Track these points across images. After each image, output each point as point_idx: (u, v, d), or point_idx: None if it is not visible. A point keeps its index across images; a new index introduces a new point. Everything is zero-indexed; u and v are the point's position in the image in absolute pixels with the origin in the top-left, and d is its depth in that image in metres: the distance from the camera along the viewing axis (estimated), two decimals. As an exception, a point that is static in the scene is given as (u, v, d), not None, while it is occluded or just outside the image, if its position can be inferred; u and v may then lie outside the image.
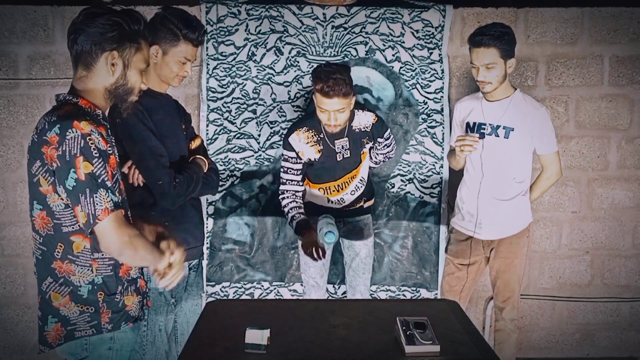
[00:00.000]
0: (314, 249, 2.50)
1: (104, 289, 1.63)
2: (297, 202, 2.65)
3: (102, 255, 1.61)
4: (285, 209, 2.65)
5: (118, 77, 1.63)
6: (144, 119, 2.01)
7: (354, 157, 2.66)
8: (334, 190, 2.69)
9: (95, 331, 1.62)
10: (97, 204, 1.51)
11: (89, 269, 1.61)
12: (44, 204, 1.58)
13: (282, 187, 2.67)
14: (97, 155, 1.51)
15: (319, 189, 2.71)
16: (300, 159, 2.62)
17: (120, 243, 1.55)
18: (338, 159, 2.63)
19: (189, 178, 2.10)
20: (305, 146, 2.61)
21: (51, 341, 1.63)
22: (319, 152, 2.61)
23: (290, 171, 2.64)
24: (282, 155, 2.66)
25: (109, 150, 1.58)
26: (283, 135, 2.74)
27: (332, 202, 2.72)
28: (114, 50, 1.60)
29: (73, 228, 1.58)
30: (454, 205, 2.85)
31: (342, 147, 2.62)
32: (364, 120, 2.62)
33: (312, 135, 2.61)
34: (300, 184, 2.67)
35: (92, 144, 1.50)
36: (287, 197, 2.66)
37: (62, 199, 1.55)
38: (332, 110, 2.44)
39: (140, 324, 1.76)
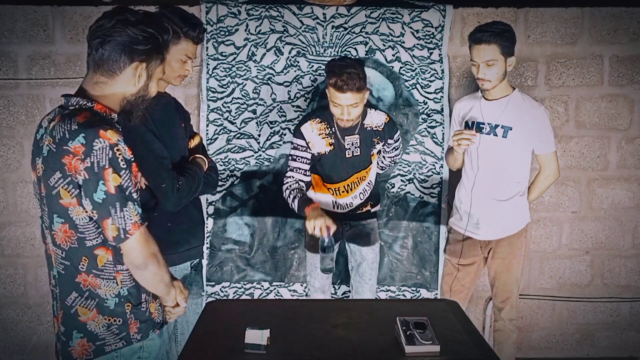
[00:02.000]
0: (320, 223, 2.32)
1: (131, 300, 1.60)
2: (299, 184, 2.59)
3: (125, 267, 1.58)
4: (287, 192, 2.59)
5: (141, 88, 1.60)
6: (146, 121, 2.00)
7: (364, 155, 2.64)
8: (343, 192, 2.68)
9: (125, 343, 1.59)
10: (127, 218, 1.47)
11: (113, 282, 1.57)
12: (66, 217, 1.51)
13: (288, 174, 2.63)
14: (125, 166, 1.47)
15: (327, 190, 2.68)
16: (310, 149, 2.61)
17: (146, 256, 1.53)
18: (347, 156, 2.62)
19: (191, 179, 2.10)
20: (317, 137, 2.60)
21: (76, 356, 1.59)
22: (330, 145, 2.60)
23: (298, 159, 2.62)
24: (292, 143, 2.64)
25: (133, 159, 1.53)
26: (294, 126, 2.69)
27: (339, 206, 2.70)
28: (143, 62, 1.57)
29: (97, 241, 1.53)
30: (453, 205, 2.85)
31: (352, 144, 2.61)
32: (377, 119, 2.62)
33: (325, 128, 2.60)
34: (307, 174, 2.64)
35: (119, 154, 1.46)
36: (290, 182, 2.61)
37: (86, 212, 1.49)
38: (346, 105, 2.43)
39: (166, 328, 1.76)
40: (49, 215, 1.55)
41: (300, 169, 2.63)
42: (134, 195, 1.50)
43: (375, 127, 2.62)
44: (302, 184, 2.62)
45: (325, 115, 2.60)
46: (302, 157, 2.62)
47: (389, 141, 2.64)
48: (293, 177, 2.63)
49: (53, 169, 1.49)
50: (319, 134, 2.60)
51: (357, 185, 2.68)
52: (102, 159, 1.44)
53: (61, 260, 1.57)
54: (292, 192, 2.58)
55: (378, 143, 2.65)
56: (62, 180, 1.48)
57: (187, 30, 2.06)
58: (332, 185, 2.68)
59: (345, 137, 2.60)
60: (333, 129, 2.60)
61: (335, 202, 2.70)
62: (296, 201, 2.53)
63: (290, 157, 2.65)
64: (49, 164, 1.50)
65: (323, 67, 3.06)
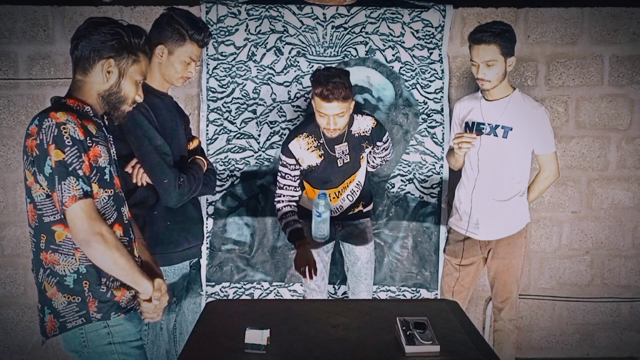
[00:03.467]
0: (307, 268, 2.50)
1: (89, 279, 1.65)
2: (291, 206, 2.63)
3: None
4: (279, 213, 2.64)
5: (112, 85, 1.70)
6: (150, 118, 2.03)
7: (353, 161, 2.64)
8: (333, 197, 2.68)
9: (85, 320, 1.65)
10: (64, 190, 1.56)
11: (72, 258, 1.64)
12: (31, 197, 1.64)
13: (278, 191, 2.66)
14: (70, 144, 1.56)
15: None
16: (300, 165, 2.61)
17: (88, 233, 1.57)
18: (339, 165, 2.62)
19: (193, 177, 2.12)
20: (305, 152, 2.60)
21: (48, 331, 1.68)
22: (320, 156, 2.60)
23: (287, 177, 2.63)
24: (280, 160, 2.63)
25: (89, 142, 1.61)
26: (282, 141, 2.70)
27: (330, 211, 2.71)
28: (110, 59, 1.67)
29: (54, 218, 1.63)
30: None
31: (342, 152, 2.61)
32: (364, 124, 2.60)
33: (313, 141, 2.59)
34: (297, 189, 2.65)
35: (65, 132, 1.56)
36: (282, 201, 2.64)
37: (42, 188, 1.60)
38: (332, 115, 2.42)
39: (136, 314, 1.75)
40: (25, 198, 1.68)
41: (290, 186, 2.64)
42: (79, 172, 1.57)
43: (363, 132, 2.60)
44: (293, 205, 2.64)
45: (312, 128, 2.58)
46: (291, 175, 2.62)
47: (378, 143, 2.63)
48: (284, 196, 2.64)
49: (23, 153, 1.64)
50: (308, 148, 2.60)
51: (346, 189, 2.68)
52: (48, 136, 1.56)
53: (32, 239, 1.69)
54: (284, 216, 2.61)
55: (367, 147, 2.65)
56: (26, 161, 1.63)
57: (192, 33, 2.09)
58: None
59: (335, 147, 2.59)
60: (321, 140, 2.58)
61: None
62: (287, 230, 2.58)
63: (279, 174, 2.65)
64: (23, 152, 1.64)
65: (323, 67, 3.06)
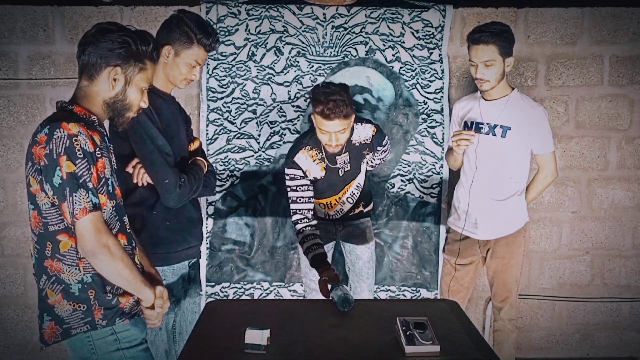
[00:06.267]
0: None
1: (94, 287, 1.65)
2: (311, 225, 2.51)
3: None
4: (300, 236, 2.51)
5: (118, 92, 1.70)
6: (153, 118, 2.04)
7: (354, 169, 2.64)
8: (335, 204, 2.69)
9: (90, 327, 1.64)
10: (76, 202, 1.56)
11: (76, 268, 1.63)
12: (35, 204, 1.63)
13: (293, 207, 2.54)
14: (82, 156, 1.56)
15: (319, 204, 2.70)
16: (307, 176, 2.57)
17: (95, 244, 1.58)
18: (340, 174, 2.62)
19: (193, 178, 2.13)
20: (312, 164, 2.57)
21: (47, 339, 1.67)
22: (324, 169, 2.59)
23: (300, 188, 2.55)
24: (287, 175, 2.55)
25: (97, 154, 1.61)
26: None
27: (330, 216, 2.72)
28: (117, 66, 1.67)
29: (59, 227, 1.62)
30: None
31: (344, 162, 2.60)
32: (364, 133, 2.58)
33: (316, 154, 2.57)
34: (312, 200, 2.56)
35: (77, 144, 1.56)
36: (302, 221, 2.52)
37: (48, 197, 1.60)
38: (334, 132, 2.39)
39: (140, 319, 1.76)
40: (28, 203, 1.67)
41: (303, 197, 2.54)
42: (89, 185, 1.58)
43: (364, 140, 2.58)
44: (313, 223, 2.51)
45: (314, 141, 2.55)
46: (302, 185, 2.55)
47: (378, 148, 2.63)
48: (299, 212, 2.52)
49: (27, 159, 1.64)
50: (314, 160, 2.57)
51: (346, 193, 2.68)
52: (59, 147, 1.55)
53: (35, 245, 1.67)
54: (305, 239, 2.48)
55: (368, 154, 2.63)
56: (31, 168, 1.62)
57: (200, 37, 2.10)
58: (324, 200, 2.68)
59: (336, 158, 2.57)
60: (322, 154, 2.57)
61: (327, 213, 2.72)
62: (310, 255, 2.45)
63: (289, 189, 2.55)
64: (27, 157, 1.65)
65: (323, 67, 3.07)
